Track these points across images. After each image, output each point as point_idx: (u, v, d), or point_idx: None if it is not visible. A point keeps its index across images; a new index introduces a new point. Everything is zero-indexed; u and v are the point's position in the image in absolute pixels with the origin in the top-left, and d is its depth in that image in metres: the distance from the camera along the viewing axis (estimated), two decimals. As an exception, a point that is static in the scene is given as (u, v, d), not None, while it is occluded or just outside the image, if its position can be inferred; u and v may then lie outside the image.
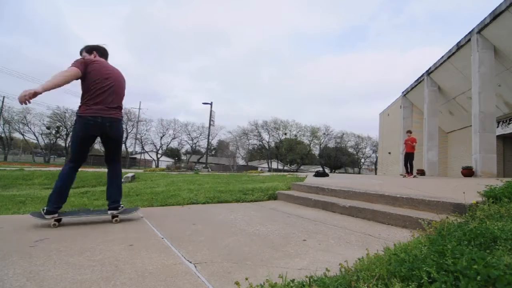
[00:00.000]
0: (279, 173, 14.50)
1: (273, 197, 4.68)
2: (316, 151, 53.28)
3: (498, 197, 2.47)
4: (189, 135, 49.40)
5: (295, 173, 19.75)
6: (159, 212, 3.45)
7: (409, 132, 9.82)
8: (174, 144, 50.64)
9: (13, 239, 2.10)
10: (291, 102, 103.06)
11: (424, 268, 1.03)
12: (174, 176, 11.61)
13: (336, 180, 6.25)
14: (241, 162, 50.11)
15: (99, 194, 5.67)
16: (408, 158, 9.53)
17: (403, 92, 18.35)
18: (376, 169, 44.28)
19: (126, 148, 44.92)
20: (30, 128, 39.43)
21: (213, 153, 55.32)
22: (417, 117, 17.59)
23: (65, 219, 2.68)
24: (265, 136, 49.71)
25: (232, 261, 1.68)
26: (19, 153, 50.54)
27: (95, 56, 2.80)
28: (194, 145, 51.05)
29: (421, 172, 13.55)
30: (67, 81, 2.42)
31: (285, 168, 49.94)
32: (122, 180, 10.20)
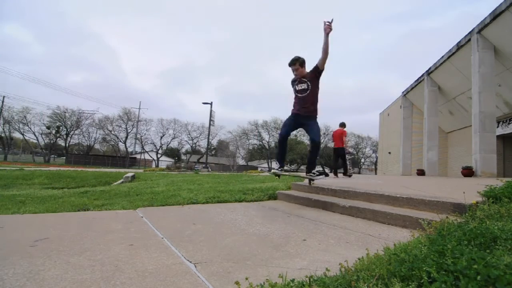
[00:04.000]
0: (279, 173, 14.44)
1: (273, 197, 4.68)
2: (316, 151, 53.18)
3: (498, 197, 2.46)
4: (189, 135, 49.45)
5: (295, 173, 19.71)
6: (159, 212, 3.45)
7: None
8: (174, 144, 50.69)
9: (13, 239, 2.10)
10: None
11: (424, 268, 1.02)
12: (174, 176, 11.61)
13: (336, 180, 6.25)
14: (241, 162, 50.11)
15: (99, 194, 5.68)
16: None
17: (403, 92, 18.35)
18: (376, 169, 44.28)
19: (126, 148, 44.92)
20: (30, 128, 39.48)
21: (213, 153, 55.28)
22: (417, 117, 17.59)
23: None
24: (265, 136, 49.74)
25: (232, 261, 1.68)
26: (19, 153, 50.54)
27: None
28: (194, 145, 51.09)
29: (421, 172, 13.57)
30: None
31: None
32: (122, 180, 10.13)
